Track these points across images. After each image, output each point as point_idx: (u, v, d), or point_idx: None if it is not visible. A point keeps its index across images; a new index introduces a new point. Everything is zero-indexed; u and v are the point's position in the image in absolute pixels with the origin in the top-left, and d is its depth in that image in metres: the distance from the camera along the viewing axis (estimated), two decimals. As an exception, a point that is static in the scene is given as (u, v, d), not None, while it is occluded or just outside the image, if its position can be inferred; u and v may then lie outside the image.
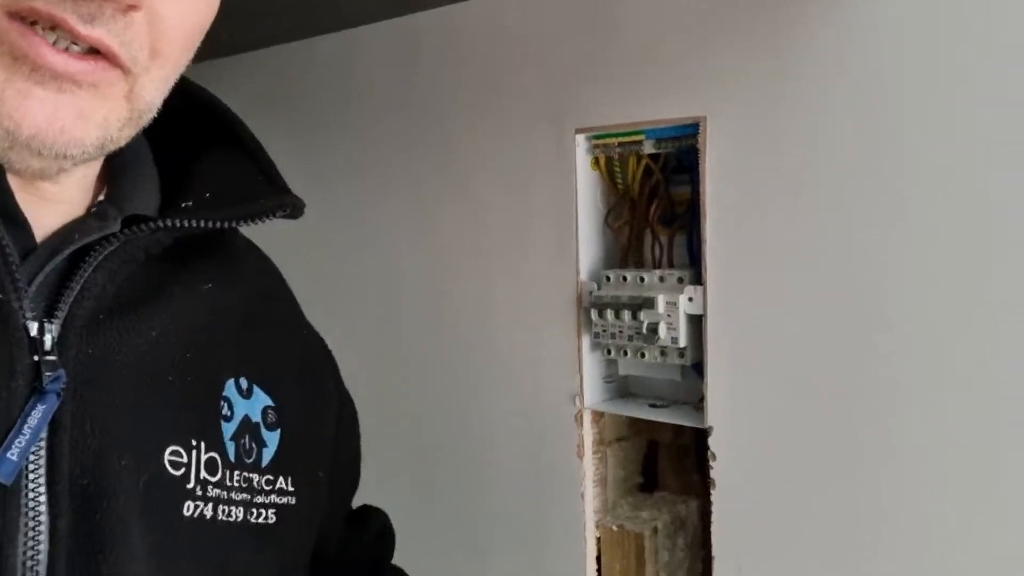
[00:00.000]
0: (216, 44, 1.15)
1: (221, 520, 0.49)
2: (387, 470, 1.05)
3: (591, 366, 0.91)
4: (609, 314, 0.86)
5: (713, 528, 0.80)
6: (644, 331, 0.84)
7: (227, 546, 0.49)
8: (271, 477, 0.53)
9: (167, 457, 0.47)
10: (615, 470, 0.94)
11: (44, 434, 0.42)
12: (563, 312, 0.91)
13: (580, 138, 0.88)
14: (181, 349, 0.50)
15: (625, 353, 0.87)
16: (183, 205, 0.52)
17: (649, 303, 0.83)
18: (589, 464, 0.91)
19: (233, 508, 0.50)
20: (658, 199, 0.87)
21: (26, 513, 0.41)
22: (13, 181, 0.44)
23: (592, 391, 0.91)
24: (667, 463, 0.97)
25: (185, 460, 0.47)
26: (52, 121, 0.41)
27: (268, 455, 0.53)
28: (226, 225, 0.52)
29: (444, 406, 1.03)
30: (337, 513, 0.65)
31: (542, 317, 0.93)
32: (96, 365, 0.45)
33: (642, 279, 0.86)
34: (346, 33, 1.08)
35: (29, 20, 0.40)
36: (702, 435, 0.82)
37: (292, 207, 0.56)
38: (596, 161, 0.89)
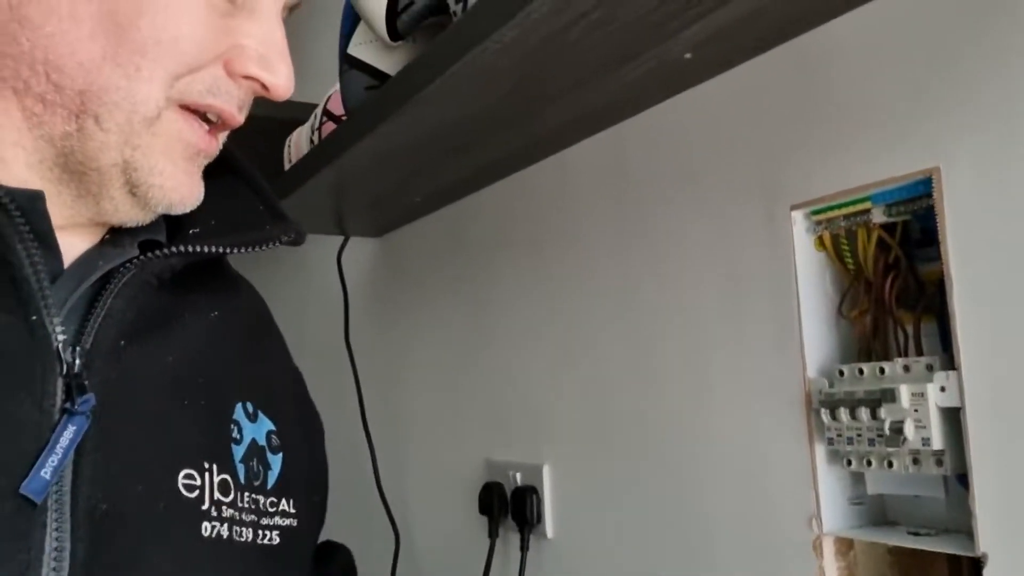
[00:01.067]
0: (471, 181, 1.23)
1: (236, 541, 0.48)
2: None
3: (830, 482, 0.76)
4: (843, 414, 0.72)
5: None
6: (887, 431, 0.68)
7: (244, 566, 0.48)
8: (275, 499, 0.54)
9: (181, 480, 0.48)
10: (872, 617, 0.75)
11: (70, 457, 0.43)
12: (789, 415, 0.78)
13: (797, 215, 0.78)
14: (195, 374, 0.52)
15: (869, 463, 0.72)
16: (191, 232, 0.54)
17: (890, 395, 0.68)
18: (834, 605, 0.74)
19: (244, 529, 0.50)
20: (898, 277, 0.73)
21: (50, 535, 0.41)
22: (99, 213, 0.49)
23: (834, 513, 0.75)
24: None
25: (199, 483, 0.48)
26: (195, 190, 0.50)
27: (272, 478, 0.55)
28: (236, 251, 0.54)
29: (652, 529, 0.91)
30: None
31: (764, 421, 0.80)
32: (118, 390, 0.46)
33: (882, 370, 0.71)
34: (555, 158, 1.09)
35: (194, 109, 0.48)
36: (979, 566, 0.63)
37: (296, 233, 0.58)
38: (820, 240, 0.78)
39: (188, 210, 0.50)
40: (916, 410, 0.67)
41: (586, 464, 1.04)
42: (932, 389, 0.66)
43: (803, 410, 0.76)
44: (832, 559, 0.75)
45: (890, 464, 0.70)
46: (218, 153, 0.54)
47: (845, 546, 0.75)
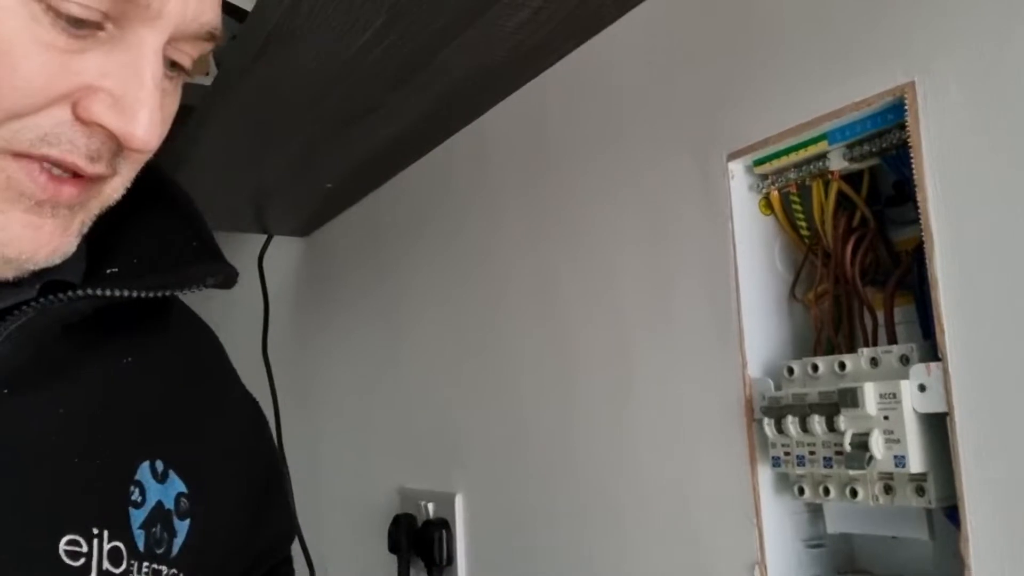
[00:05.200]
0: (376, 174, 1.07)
1: None
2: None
3: (778, 516, 0.57)
4: (791, 424, 0.53)
5: None
6: (847, 447, 0.50)
7: None
8: (176, 571, 0.50)
9: (63, 547, 0.44)
10: None
11: None
12: (725, 427, 0.59)
13: (735, 168, 0.60)
14: (91, 430, 0.47)
15: (826, 491, 0.53)
16: (108, 272, 0.50)
17: (850, 397, 0.50)
18: None
19: None
20: (863, 244, 0.56)
21: None
22: None
23: (784, 559, 0.57)
24: None
25: (85, 550, 0.44)
26: (47, 244, 0.43)
27: (177, 546, 0.50)
28: (149, 295, 0.49)
29: (571, 572, 0.73)
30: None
31: (695, 436, 0.62)
32: None
33: (842, 365, 0.53)
34: (472, 128, 0.92)
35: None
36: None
37: (224, 276, 0.53)
38: (767, 201, 0.61)
39: (44, 264, 0.44)
40: (886, 417, 0.49)
41: (501, 493, 0.85)
42: (907, 388, 0.48)
43: (742, 420, 0.58)
44: (782, 621, 0.56)
45: (854, 493, 0.52)
46: (115, 199, 0.47)
47: (799, 603, 0.56)
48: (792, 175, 0.58)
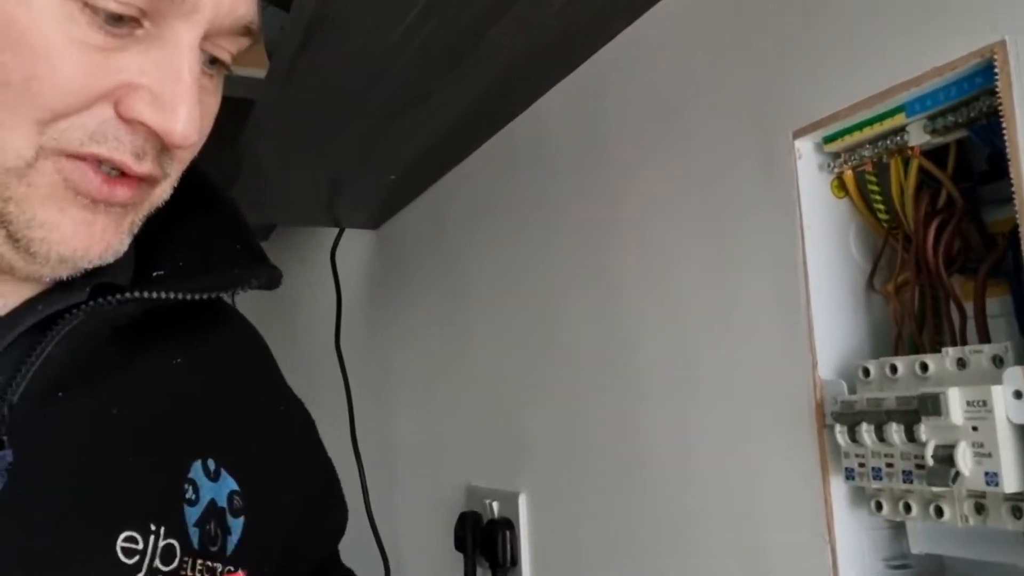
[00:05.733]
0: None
1: None
2: None
3: (854, 533, 0.51)
4: (866, 433, 0.48)
5: None
6: (929, 460, 0.44)
7: None
8: (232, 568, 0.50)
9: (120, 544, 0.45)
10: None
11: None
12: (793, 434, 0.54)
13: (804, 146, 0.54)
14: (144, 429, 0.48)
15: (907, 508, 0.47)
16: (155, 275, 0.51)
17: (932, 404, 0.44)
18: None
19: None
20: (948, 227, 0.49)
21: None
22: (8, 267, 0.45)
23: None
24: None
25: (140, 547, 0.45)
26: (99, 241, 0.44)
27: (232, 544, 0.51)
28: (196, 297, 0.49)
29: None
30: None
31: (762, 442, 0.56)
32: (48, 445, 0.44)
33: (924, 367, 0.47)
34: (530, 112, 0.87)
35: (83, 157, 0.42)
36: None
37: (268, 277, 0.54)
38: (840, 181, 0.54)
39: (98, 262, 0.45)
40: (975, 428, 0.42)
41: (564, 495, 0.82)
42: (1000, 395, 0.42)
43: (812, 426, 0.53)
44: (858, 649, 0.50)
45: (939, 511, 0.46)
46: (164, 199, 0.49)
47: (879, 629, 0.51)
48: (867, 152, 0.51)
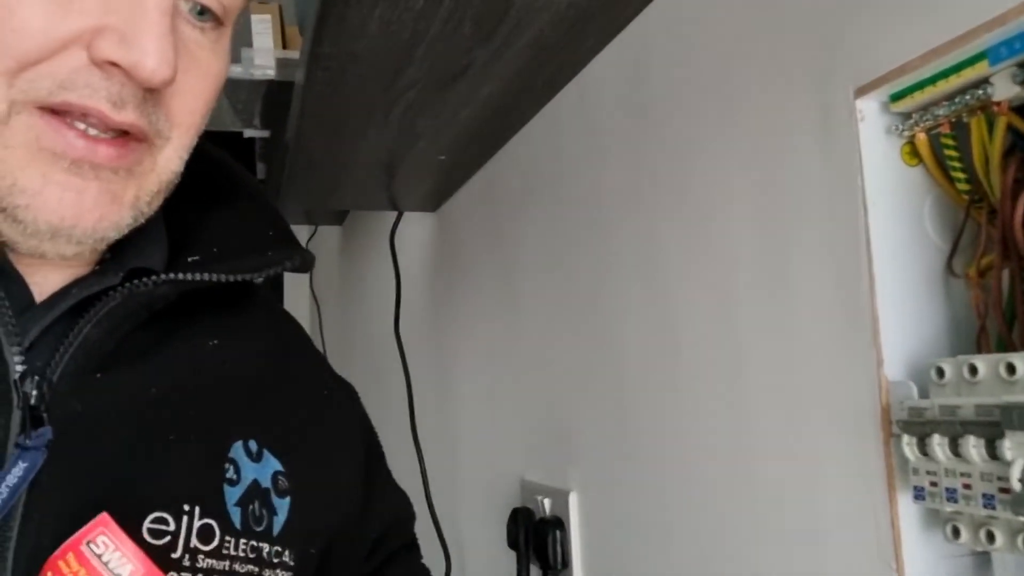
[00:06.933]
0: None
1: None
2: None
3: (925, 560, 0.44)
4: (938, 447, 0.40)
5: None
6: (1016, 484, 0.36)
7: None
8: (280, 548, 0.50)
9: (147, 525, 0.45)
10: None
11: (23, 494, 0.41)
12: (855, 443, 0.46)
13: (867, 106, 0.46)
14: (184, 408, 0.48)
15: (991, 537, 0.40)
16: (189, 260, 0.51)
17: (1017, 418, 0.36)
18: None
19: None
20: (1044, 197, 0.40)
21: None
22: (9, 241, 0.44)
23: (936, 615, 0.43)
24: None
25: (172, 528, 0.45)
26: (92, 209, 0.42)
27: (279, 524, 0.50)
28: (230, 279, 0.50)
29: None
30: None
31: (818, 448, 0.49)
32: (85, 424, 0.44)
33: (1011, 369, 0.39)
34: (576, 82, 0.81)
35: (59, 111, 0.41)
36: None
37: (301, 259, 0.54)
38: (911, 146, 0.46)
39: (92, 234, 0.43)
40: (1072, 446, 0.34)
41: (613, 495, 0.76)
42: (1105, 406, 0.34)
43: (878, 434, 0.45)
44: None
45: (1029, 543, 0.38)
46: (173, 172, 0.47)
47: (958, 675, 0.43)
48: (943, 110, 0.43)
